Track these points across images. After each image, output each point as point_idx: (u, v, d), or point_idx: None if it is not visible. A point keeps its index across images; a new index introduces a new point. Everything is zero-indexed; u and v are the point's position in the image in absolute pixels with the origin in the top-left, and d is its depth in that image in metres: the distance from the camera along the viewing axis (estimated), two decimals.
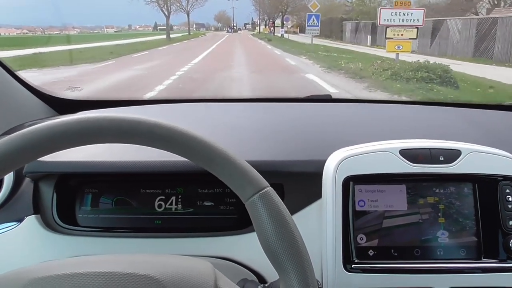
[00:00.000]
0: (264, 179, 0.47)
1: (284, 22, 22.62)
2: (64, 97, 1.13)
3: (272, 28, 22.59)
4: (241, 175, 0.46)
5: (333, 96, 1.21)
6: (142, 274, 0.41)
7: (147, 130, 0.45)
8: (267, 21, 26.42)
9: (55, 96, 1.11)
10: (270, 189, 0.46)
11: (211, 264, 0.47)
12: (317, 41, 14.79)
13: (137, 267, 0.42)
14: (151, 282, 0.41)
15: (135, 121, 0.45)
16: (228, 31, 30.02)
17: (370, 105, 1.18)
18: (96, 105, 1.12)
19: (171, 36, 22.41)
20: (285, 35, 20.80)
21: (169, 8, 22.25)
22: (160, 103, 1.20)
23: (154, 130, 0.45)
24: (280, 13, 23.84)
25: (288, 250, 0.43)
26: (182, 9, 24.36)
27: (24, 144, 0.42)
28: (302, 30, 20.30)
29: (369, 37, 14.68)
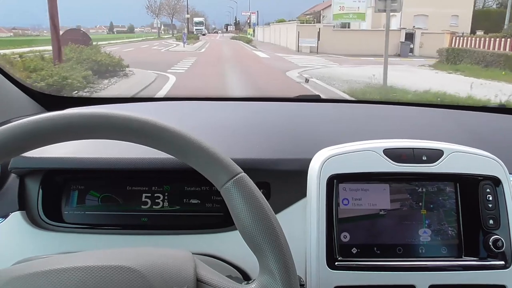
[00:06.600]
0: (237, 166, 0.48)
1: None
2: (52, 94, 1.13)
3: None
4: (215, 162, 0.46)
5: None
6: (120, 266, 0.41)
7: (120, 124, 0.45)
8: None
9: (43, 92, 1.10)
10: (243, 174, 0.47)
11: (190, 253, 0.47)
12: None
13: (115, 259, 0.42)
14: (129, 273, 0.41)
15: (105, 116, 0.45)
16: None
17: (358, 105, 1.19)
18: (84, 102, 1.12)
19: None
20: None
21: None
22: (148, 101, 1.20)
23: (127, 124, 0.45)
24: None
25: (264, 233, 0.45)
26: None
27: (9, 138, 0.42)
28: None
29: None
